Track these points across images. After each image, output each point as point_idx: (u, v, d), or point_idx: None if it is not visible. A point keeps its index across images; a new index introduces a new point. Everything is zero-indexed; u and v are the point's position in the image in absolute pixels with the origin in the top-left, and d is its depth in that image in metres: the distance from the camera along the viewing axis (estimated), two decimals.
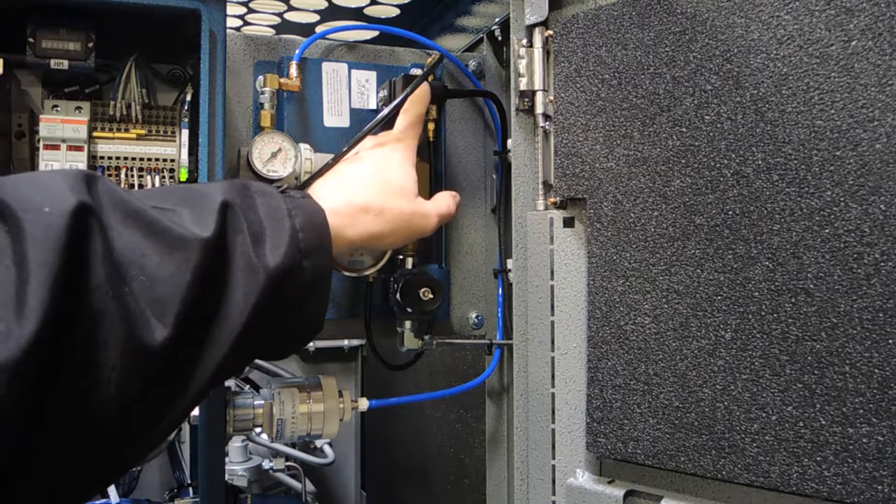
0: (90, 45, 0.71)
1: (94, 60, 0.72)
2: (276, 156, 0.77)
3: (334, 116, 0.85)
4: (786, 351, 0.53)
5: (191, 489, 1.41)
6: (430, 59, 0.83)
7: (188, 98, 0.76)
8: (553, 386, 0.69)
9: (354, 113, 0.86)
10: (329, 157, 0.71)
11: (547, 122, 0.71)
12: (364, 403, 0.84)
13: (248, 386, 0.82)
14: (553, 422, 0.69)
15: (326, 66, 0.85)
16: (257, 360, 0.74)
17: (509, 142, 0.81)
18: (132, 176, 0.74)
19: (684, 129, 0.59)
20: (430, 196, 0.81)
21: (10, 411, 0.34)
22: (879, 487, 0.49)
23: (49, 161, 0.71)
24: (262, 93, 0.79)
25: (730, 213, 0.56)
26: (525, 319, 0.71)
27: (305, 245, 0.50)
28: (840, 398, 0.51)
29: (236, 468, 1.64)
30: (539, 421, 0.70)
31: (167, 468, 1.63)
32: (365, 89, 0.86)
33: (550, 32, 0.70)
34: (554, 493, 0.68)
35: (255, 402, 0.78)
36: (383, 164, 0.66)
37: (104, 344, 0.39)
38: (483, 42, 0.95)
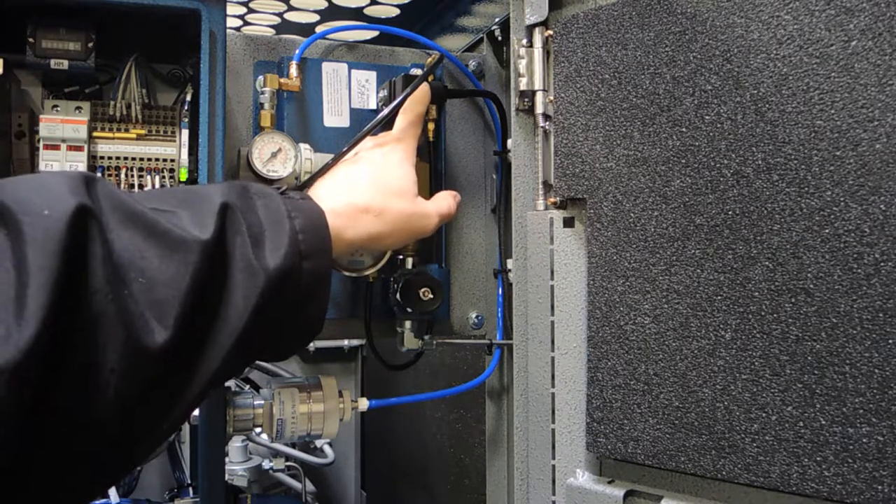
0: (90, 45, 0.71)
1: (94, 60, 0.72)
2: (276, 156, 0.77)
3: (334, 116, 0.85)
4: (786, 351, 0.53)
5: (191, 489, 1.41)
6: (430, 59, 0.83)
7: (188, 98, 0.76)
8: (553, 386, 0.69)
9: (354, 113, 0.86)
10: (329, 157, 0.71)
11: (547, 122, 0.71)
12: (364, 403, 0.84)
13: (248, 386, 0.82)
14: (553, 422, 0.69)
15: (326, 66, 0.85)
16: (257, 361, 0.74)
17: (509, 142, 0.81)
18: (132, 176, 0.74)
19: (684, 129, 0.59)
20: (430, 196, 0.81)
21: (10, 413, 0.34)
22: (879, 487, 0.49)
23: (49, 161, 0.71)
24: (262, 93, 0.79)
25: (730, 213, 0.56)
26: (525, 319, 0.71)
27: (305, 246, 0.50)
28: (840, 398, 0.51)
29: (236, 468, 1.64)
30: (539, 421, 0.70)
31: (167, 468, 1.63)
32: (365, 89, 0.86)
33: (550, 32, 0.70)
34: (554, 493, 0.68)
35: (255, 402, 0.78)
36: (383, 165, 0.66)
37: (104, 346, 0.39)
38: (483, 42, 0.95)
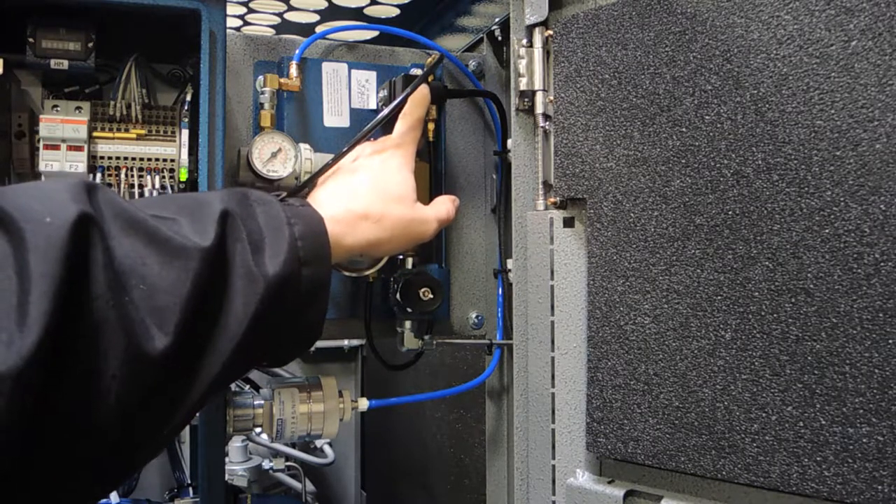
0: (90, 45, 0.71)
1: (94, 60, 0.72)
2: (276, 156, 0.77)
3: (334, 116, 0.85)
4: (786, 351, 0.53)
5: (191, 489, 1.40)
6: (430, 59, 0.83)
7: (188, 98, 0.76)
8: (553, 386, 0.69)
9: (354, 113, 0.86)
10: (329, 157, 0.71)
11: (547, 122, 0.71)
12: (364, 403, 0.84)
13: (248, 386, 0.82)
14: (553, 422, 0.69)
15: (326, 66, 0.85)
16: (257, 366, 0.74)
17: (509, 142, 0.81)
18: (132, 176, 0.74)
19: (684, 129, 0.59)
20: (430, 195, 0.81)
21: (11, 420, 0.34)
22: (879, 487, 0.49)
23: (49, 161, 0.71)
24: (262, 93, 0.79)
25: (730, 213, 0.56)
26: (525, 319, 0.71)
27: (305, 253, 0.51)
28: (840, 398, 0.51)
29: (236, 468, 1.64)
30: (539, 421, 0.70)
31: (167, 468, 1.63)
32: (365, 89, 0.86)
33: (550, 32, 0.70)
34: (554, 493, 0.68)
35: (255, 402, 0.78)
36: (382, 171, 0.67)
37: (105, 353, 0.39)
38: (483, 42, 0.95)
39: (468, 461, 1.37)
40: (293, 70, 0.81)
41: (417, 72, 0.83)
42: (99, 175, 0.73)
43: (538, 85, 0.70)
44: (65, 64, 0.71)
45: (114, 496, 1.20)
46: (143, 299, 0.41)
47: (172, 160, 0.76)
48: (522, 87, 0.71)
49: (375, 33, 1.14)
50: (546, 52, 0.71)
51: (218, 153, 0.71)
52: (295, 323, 0.52)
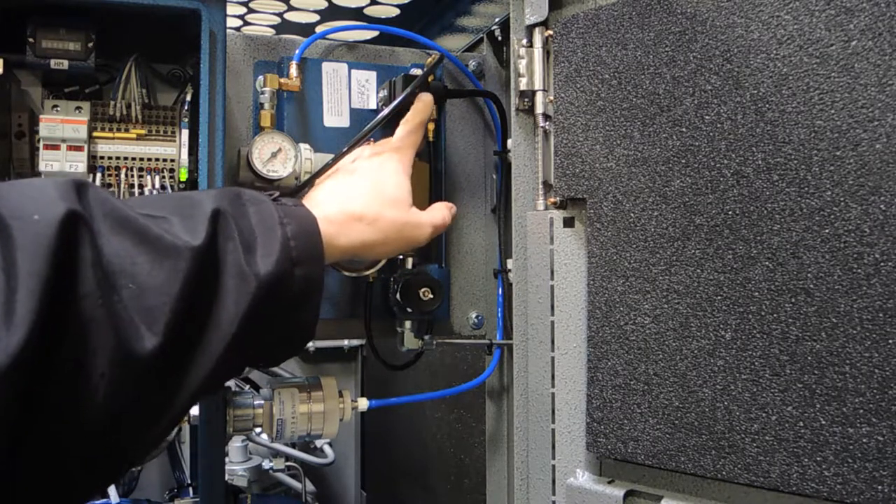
0: (90, 45, 0.71)
1: (94, 60, 0.72)
2: (276, 156, 0.77)
3: (334, 116, 0.85)
4: (786, 351, 0.53)
5: (191, 489, 1.41)
6: (430, 59, 0.83)
7: (188, 98, 0.76)
8: (553, 386, 0.69)
9: (354, 113, 0.86)
10: (329, 157, 0.71)
11: (547, 122, 0.71)
12: (364, 403, 0.84)
13: (248, 386, 0.82)
14: (553, 422, 0.69)
15: (326, 66, 0.85)
16: (250, 366, 0.74)
17: (509, 142, 0.81)
18: (132, 176, 0.74)
19: (684, 129, 0.59)
20: (430, 195, 0.81)
21: None
22: (879, 487, 0.49)
23: (49, 161, 0.71)
24: (262, 93, 0.79)
25: (730, 213, 0.56)
26: (525, 319, 0.71)
27: (297, 253, 0.50)
28: (840, 398, 0.51)
29: (236, 468, 1.64)
30: (539, 421, 0.70)
31: (167, 468, 1.63)
32: (365, 89, 0.86)
33: (550, 32, 0.70)
34: (554, 493, 0.68)
35: (255, 402, 0.78)
36: (379, 173, 0.67)
37: (93, 352, 0.39)
38: (483, 42, 0.95)
39: (468, 461, 1.37)
40: (293, 70, 0.81)
41: (417, 72, 0.83)
42: (99, 175, 0.73)
43: (538, 85, 0.70)
44: (65, 64, 0.71)
45: (114, 496, 1.20)
46: (132, 299, 0.41)
47: (172, 160, 0.76)
48: (522, 87, 0.71)
49: (375, 33, 1.14)
50: (546, 52, 0.71)
51: (218, 153, 0.71)
52: (287, 322, 0.52)
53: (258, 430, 0.80)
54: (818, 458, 0.51)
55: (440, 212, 0.71)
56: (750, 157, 0.55)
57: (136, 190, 0.74)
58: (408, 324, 0.86)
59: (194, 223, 0.46)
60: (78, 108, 0.73)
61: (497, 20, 0.90)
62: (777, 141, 0.54)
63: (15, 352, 0.34)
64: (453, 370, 1.41)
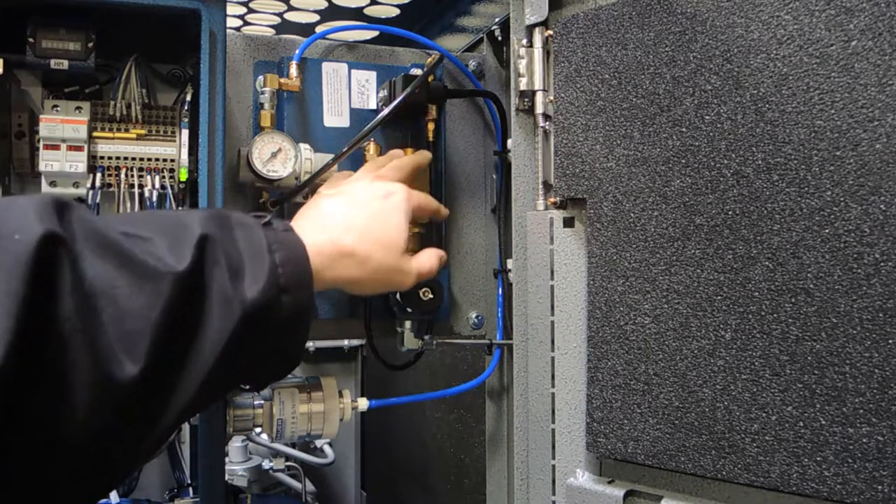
0: (90, 45, 0.71)
1: (94, 60, 0.72)
2: (276, 156, 0.77)
3: (334, 116, 0.85)
4: (786, 351, 0.53)
5: (191, 489, 1.40)
6: (430, 59, 0.83)
7: (188, 98, 0.76)
8: (553, 386, 0.69)
9: (354, 113, 0.86)
10: (329, 157, 0.71)
11: (547, 122, 0.71)
12: (364, 403, 0.84)
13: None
14: (553, 422, 0.69)
15: (326, 66, 0.85)
16: (236, 388, 0.74)
17: (509, 142, 0.81)
18: (132, 176, 0.74)
19: (684, 129, 0.59)
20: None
21: None
22: (879, 487, 0.49)
23: (49, 161, 0.71)
24: (262, 93, 0.79)
25: (730, 213, 0.56)
26: (525, 319, 0.71)
27: (285, 280, 0.50)
28: (840, 398, 0.51)
29: (236, 468, 1.64)
30: (539, 421, 0.70)
31: (167, 468, 1.63)
32: (365, 89, 0.86)
33: (550, 32, 0.70)
34: (554, 493, 0.68)
35: (255, 402, 0.78)
36: (381, 211, 0.65)
37: (72, 375, 0.38)
38: (483, 42, 0.95)
39: (468, 461, 1.37)
40: (293, 70, 0.82)
41: (417, 72, 0.83)
42: (99, 175, 0.73)
43: (538, 85, 0.70)
44: (65, 64, 0.71)
45: (114, 496, 1.20)
46: (112, 322, 0.40)
47: (172, 160, 0.76)
48: (522, 87, 0.71)
49: (375, 33, 1.14)
50: (546, 52, 0.71)
51: (218, 153, 0.71)
52: (274, 348, 0.52)
53: (258, 430, 0.80)
54: (818, 458, 0.51)
55: (429, 261, 0.70)
56: (750, 157, 0.55)
57: (136, 190, 0.74)
58: (408, 324, 0.86)
59: (181, 247, 0.45)
60: (78, 108, 0.73)
61: (497, 20, 0.90)
62: (777, 141, 0.54)
63: None
64: (453, 370, 1.41)
